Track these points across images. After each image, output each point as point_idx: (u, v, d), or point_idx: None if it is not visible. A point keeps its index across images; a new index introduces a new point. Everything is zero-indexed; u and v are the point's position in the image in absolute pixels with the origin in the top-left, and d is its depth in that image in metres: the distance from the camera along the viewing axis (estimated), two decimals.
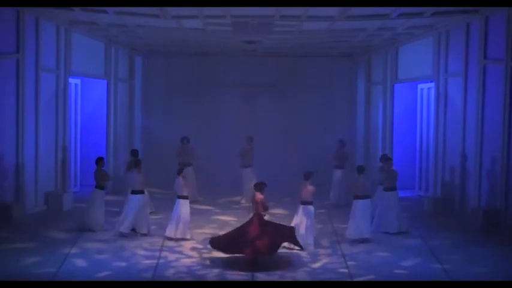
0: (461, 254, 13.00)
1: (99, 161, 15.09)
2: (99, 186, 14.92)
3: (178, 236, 14.01)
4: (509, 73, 14.60)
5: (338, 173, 18.49)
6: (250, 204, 13.01)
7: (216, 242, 12.56)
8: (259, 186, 12.84)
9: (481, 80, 15.55)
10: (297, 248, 13.03)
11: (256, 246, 11.94)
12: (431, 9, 14.69)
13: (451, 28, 16.97)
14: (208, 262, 12.33)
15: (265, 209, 12.62)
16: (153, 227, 15.19)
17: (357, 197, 14.31)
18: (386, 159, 15.59)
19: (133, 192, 14.57)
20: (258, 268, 11.82)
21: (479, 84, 15.60)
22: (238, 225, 13.09)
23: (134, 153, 16.73)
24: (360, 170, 14.56)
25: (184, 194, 14.31)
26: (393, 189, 14.92)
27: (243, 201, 18.34)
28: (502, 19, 14.68)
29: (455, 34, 16.85)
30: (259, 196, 12.59)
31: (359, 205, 14.17)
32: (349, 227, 14.31)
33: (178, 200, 14.28)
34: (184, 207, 14.20)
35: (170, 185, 19.77)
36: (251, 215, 12.63)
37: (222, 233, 13.49)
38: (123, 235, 14.14)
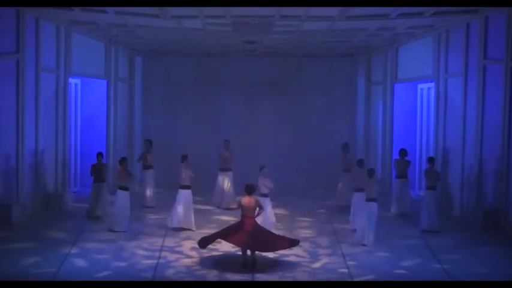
0: (461, 254, 13.00)
1: (123, 161, 15.00)
2: (124, 188, 14.81)
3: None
4: (509, 73, 14.60)
5: (346, 176, 18.04)
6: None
7: (205, 241, 12.58)
8: (251, 189, 12.60)
9: (481, 80, 15.55)
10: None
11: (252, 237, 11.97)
12: (432, 9, 14.69)
13: (451, 28, 16.97)
14: (208, 262, 12.33)
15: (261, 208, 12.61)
16: (153, 227, 15.20)
17: (356, 190, 15.00)
18: (429, 160, 15.87)
19: (182, 187, 15.19)
20: (258, 268, 11.83)
21: (479, 84, 15.60)
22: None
23: (99, 156, 16.23)
24: (360, 163, 15.47)
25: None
26: (432, 188, 15.27)
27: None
28: (502, 19, 14.69)
29: (455, 34, 16.85)
30: (252, 199, 12.48)
31: (358, 197, 14.70)
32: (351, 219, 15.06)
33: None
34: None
35: (170, 184, 19.86)
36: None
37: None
38: (175, 230, 14.73)
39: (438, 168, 17.51)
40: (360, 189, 14.70)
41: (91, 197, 16.07)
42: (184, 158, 15.68)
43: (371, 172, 14.09)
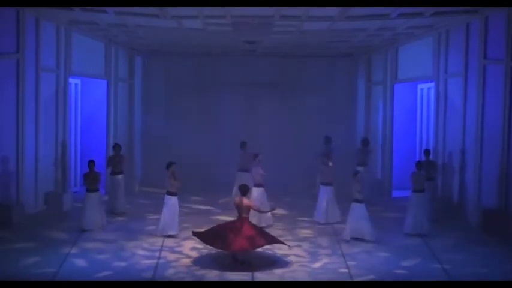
0: (461, 254, 13.01)
1: (169, 166, 14.55)
2: (172, 193, 14.53)
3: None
4: (509, 73, 14.60)
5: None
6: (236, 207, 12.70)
7: (200, 234, 12.71)
8: (244, 190, 12.69)
9: (481, 80, 15.55)
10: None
11: (253, 241, 11.98)
12: (431, 9, 14.69)
13: (451, 28, 16.97)
14: (208, 262, 12.33)
15: (259, 211, 12.63)
16: (153, 227, 15.21)
17: (323, 184, 16.08)
18: (425, 152, 16.72)
19: (255, 185, 15.52)
20: (258, 268, 11.83)
21: (479, 84, 15.60)
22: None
23: (91, 164, 15.12)
24: (329, 157, 16.36)
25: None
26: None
27: (222, 200, 17.47)
28: (502, 19, 14.69)
29: (455, 34, 16.85)
30: (246, 201, 12.53)
31: (324, 190, 15.95)
32: (317, 211, 15.99)
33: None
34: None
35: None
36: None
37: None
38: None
39: (438, 169, 17.49)
40: (328, 183, 16.05)
41: (85, 208, 14.77)
42: (255, 156, 16.02)
43: (419, 165, 15.14)
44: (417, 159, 16.12)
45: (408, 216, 14.86)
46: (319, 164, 16.79)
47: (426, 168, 16.07)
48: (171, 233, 14.29)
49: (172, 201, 14.48)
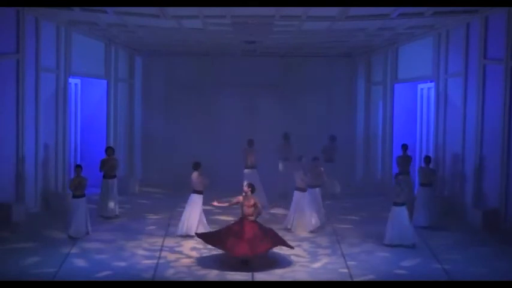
0: (461, 254, 13.00)
1: (197, 166, 14.48)
2: (200, 192, 14.49)
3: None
4: (509, 73, 14.60)
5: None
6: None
7: (204, 235, 12.74)
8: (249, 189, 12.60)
9: (481, 80, 15.55)
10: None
11: (255, 245, 11.94)
12: (431, 9, 14.70)
13: (451, 28, 16.97)
14: (208, 262, 12.32)
15: (259, 213, 12.54)
16: (153, 227, 15.21)
17: (312, 186, 15.67)
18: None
19: (297, 189, 15.36)
20: (258, 268, 11.82)
21: (479, 84, 15.61)
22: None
23: (78, 169, 14.53)
24: (316, 159, 16.09)
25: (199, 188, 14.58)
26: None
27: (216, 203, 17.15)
28: (502, 19, 14.69)
29: (455, 34, 16.85)
30: (247, 200, 12.47)
31: (312, 193, 15.60)
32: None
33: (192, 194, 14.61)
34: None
35: (169, 184, 19.84)
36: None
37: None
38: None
39: (438, 169, 17.52)
40: (315, 186, 15.73)
41: (72, 216, 14.21)
42: (299, 158, 15.85)
43: (427, 160, 15.55)
44: (425, 154, 16.65)
45: (415, 210, 15.18)
46: (307, 164, 16.33)
47: (402, 163, 16.77)
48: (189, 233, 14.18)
49: (200, 199, 14.52)
